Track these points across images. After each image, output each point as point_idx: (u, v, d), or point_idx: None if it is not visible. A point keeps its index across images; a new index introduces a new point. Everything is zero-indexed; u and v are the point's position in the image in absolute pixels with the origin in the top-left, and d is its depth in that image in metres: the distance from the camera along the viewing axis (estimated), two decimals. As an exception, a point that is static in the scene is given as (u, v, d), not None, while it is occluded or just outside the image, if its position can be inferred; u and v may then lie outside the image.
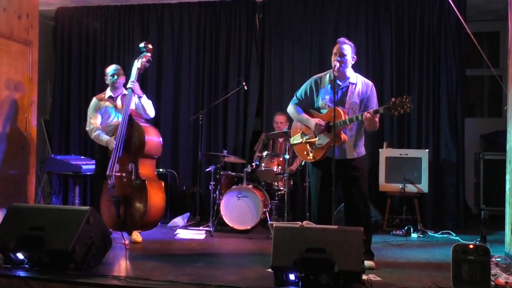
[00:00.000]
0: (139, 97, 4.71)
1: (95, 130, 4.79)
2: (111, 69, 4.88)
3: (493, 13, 6.70)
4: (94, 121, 4.82)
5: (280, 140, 6.03)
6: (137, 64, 4.69)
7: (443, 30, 6.15)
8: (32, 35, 5.72)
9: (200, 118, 5.96)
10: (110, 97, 4.86)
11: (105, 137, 4.72)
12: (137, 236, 4.65)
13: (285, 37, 6.56)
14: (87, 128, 4.87)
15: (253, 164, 5.73)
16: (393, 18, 6.27)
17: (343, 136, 3.79)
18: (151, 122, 6.16)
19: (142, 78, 6.80)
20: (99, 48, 7.02)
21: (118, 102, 4.85)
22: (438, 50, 6.17)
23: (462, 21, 5.21)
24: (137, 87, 4.66)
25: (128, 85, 4.65)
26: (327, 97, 3.88)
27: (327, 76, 3.95)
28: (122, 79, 4.86)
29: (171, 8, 6.84)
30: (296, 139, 4.08)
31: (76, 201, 5.94)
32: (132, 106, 4.70)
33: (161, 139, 4.73)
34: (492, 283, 3.12)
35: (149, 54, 4.72)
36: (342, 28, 6.36)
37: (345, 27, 6.37)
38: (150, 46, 4.76)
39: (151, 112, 4.85)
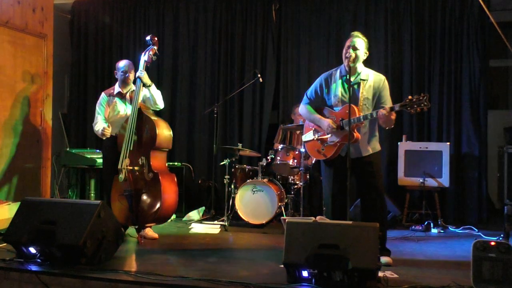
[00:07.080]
0: (148, 86, 4.56)
1: (95, 124, 4.65)
2: (122, 64, 4.72)
3: (519, 2, 6.46)
4: (101, 117, 4.67)
5: (297, 132, 5.93)
6: (144, 57, 4.60)
7: (466, 20, 5.94)
8: (47, 28, 5.72)
9: (215, 111, 5.90)
10: (119, 93, 4.71)
11: (100, 125, 4.57)
12: (152, 232, 4.60)
13: (302, 29, 6.44)
14: (93, 124, 4.73)
15: (268, 157, 5.65)
16: (413, 7, 6.08)
17: (356, 134, 3.67)
18: (164, 115, 6.17)
19: (158, 71, 6.80)
20: (115, 41, 7.02)
21: (128, 98, 4.71)
22: (460, 41, 5.97)
23: (486, 10, 5.03)
24: (145, 75, 4.53)
25: (137, 74, 4.54)
26: (339, 93, 3.78)
27: (338, 72, 3.85)
28: (133, 76, 4.71)
29: (187, 0, 6.78)
30: (308, 136, 4.02)
31: (92, 194, 5.94)
32: (141, 99, 4.57)
33: (171, 132, 4.63)
34: (515, 281, 2.99)
35: (155, 47, 4.63)
36: (361, 19, 6.21)
37: (363, 18, 6.22)
38: (156, 39, 4.66)
39: (160, 102, 4.69)
